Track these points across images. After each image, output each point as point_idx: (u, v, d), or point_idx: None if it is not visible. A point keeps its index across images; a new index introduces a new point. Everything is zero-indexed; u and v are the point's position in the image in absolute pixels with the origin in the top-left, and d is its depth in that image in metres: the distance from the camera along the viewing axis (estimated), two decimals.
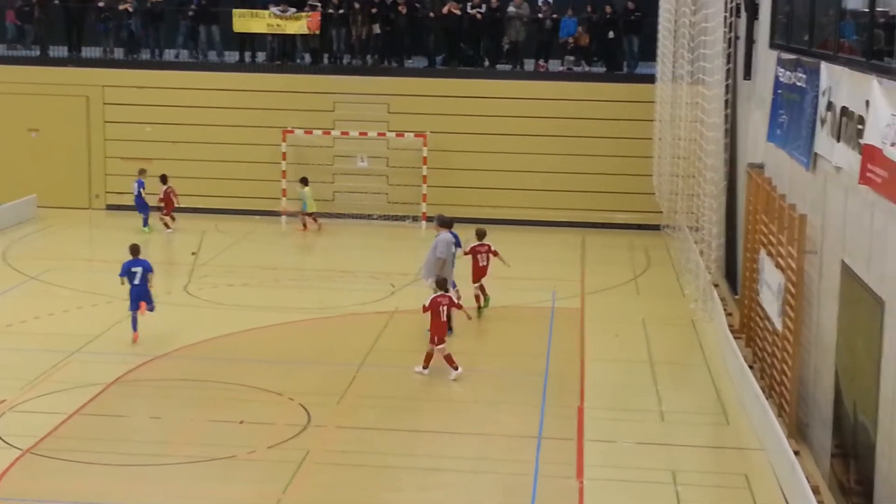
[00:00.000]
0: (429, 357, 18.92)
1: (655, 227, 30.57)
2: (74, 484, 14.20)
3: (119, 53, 34.26)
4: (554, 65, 33.51)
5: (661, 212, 29.75)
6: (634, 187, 31.60)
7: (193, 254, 26.96)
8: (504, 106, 32.18)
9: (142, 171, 30.17)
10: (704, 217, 22.73)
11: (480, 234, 22.94)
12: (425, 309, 18.98)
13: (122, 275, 20.52)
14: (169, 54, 34.24)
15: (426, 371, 18.89)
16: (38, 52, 34.16)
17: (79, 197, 33.30)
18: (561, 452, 15.63)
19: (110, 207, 32.95)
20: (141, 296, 20.35)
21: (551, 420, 16.85)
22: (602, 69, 33.10)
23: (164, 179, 30.19)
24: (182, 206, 31.13)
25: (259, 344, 20.61)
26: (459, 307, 19.63)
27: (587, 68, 33.15)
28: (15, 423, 16.07)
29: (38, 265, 25.26)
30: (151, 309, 20.43)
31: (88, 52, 34.16)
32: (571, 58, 33.14)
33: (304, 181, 30.76)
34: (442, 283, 19.40)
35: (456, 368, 18.71)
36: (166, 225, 29.75)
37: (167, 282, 24.35)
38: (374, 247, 28.73)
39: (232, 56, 34.12)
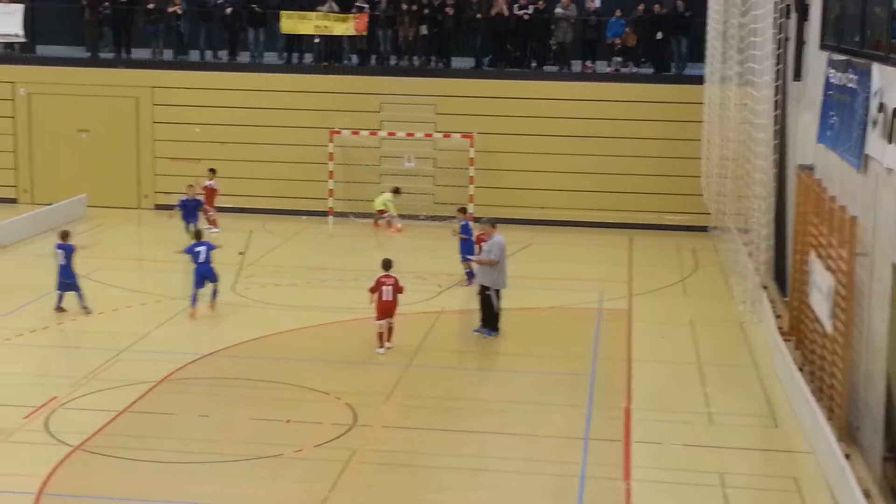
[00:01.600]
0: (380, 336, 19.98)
1: (703, 229, 30.40)
2: (123, 481, 14.29)
3: (168, 55, 34.52)
4: (601, 66, 33.39)
5: (710, 213, 29.58)
6: (682, 189, 31.42)
7: (241, 254, 27.07)
8: (551, 107, 32.11)
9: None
10: (753, 219, 22.55)
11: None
12: (371, 290, 20.01)
13: (185, 252, 22.39)
14: (215, 55, 34.43)
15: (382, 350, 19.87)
16: (89, 54, 34.49)
17: (128, 197, 33.57)
18: (608, 454, 15.56)
19: (159, 207, 33.17)
20: (205, 273, 21.94)
21: (598, 421, 16.78)
22: (650, 70, 32.95)
23: (212, 173, 30.54)
24: (230, 206, 31.33)
25: (306, 343, 20.67)
26: (400, 291, 20.12)
27: (635, 69, 33.00)
28: (65, 420, 16.20)
29: (87, 264, 25.38)
30: (215, 280, 22.19)
31: (137, 53, 34.48)
32: (619, 59, 33.00)
33: (397, 190, 31.23)
34: (387, 264, 20.26)
35: (381, 346, 19.86)
36: (212, 223, 29.90)
37: None
38: (421, 247, 28.72)
39: (279, 57, 34.27)
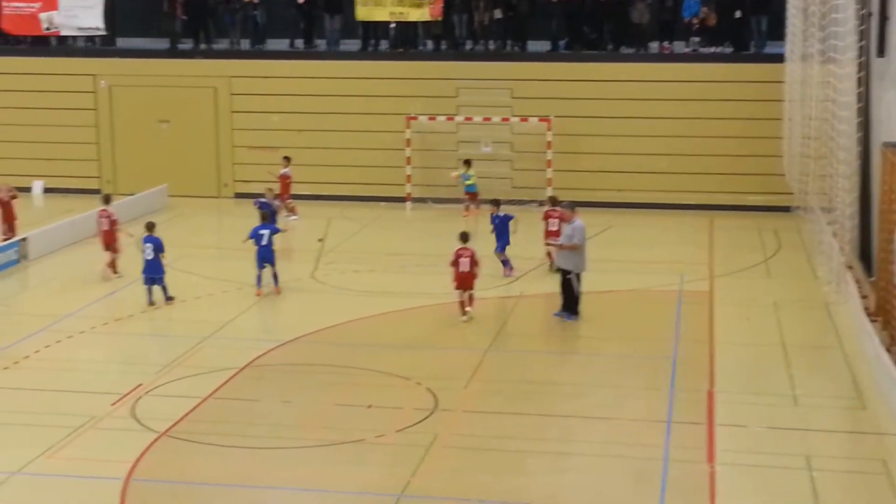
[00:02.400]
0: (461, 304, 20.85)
1: (786, 209, 30.01)
2: (208, 466, 14.43)
3: (245, 44, 34.77)
4: (679, 46, 33.04)
5: (792, 193, 29.17)
6: (764, 169, 31.05)
7: (320, 240, 27.22)
8: (628, 89, 31.85)
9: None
10: (837, 198, 22.19)
11: (553, 201, 24.70)
12: (451, 263, 20.81)
13: (250, 237, 22.61)
14: (292, 44, 34.62)
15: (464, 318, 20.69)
16: (168, 45, 34.86)
17: (208, 186, 33.92)
18: (691, 437, 15.39)
19: (238, 196, 33.48)
20: (266, 256, 22.32)
21: (681, 404, 16.62)
22: (729, 50, 32.53)
23: (286, 161, 30.68)
24: (308, 193, 31.52)
25: (386, 329, 20.72)
26: (477, 263, 20.90)
27: (713, 49, 32.60)
28: (151, 406, 16.40)
29: (169, 253, 25.60)
30: (272, 264, 22.61)
31: (215, 44, 34.78)
32: (697, 39, 32.62)
33: (468, 162, 30.66)
34: (464, 237, 21.11)
35: (463, 314, 20.72)
36: (291, 210, 30.11)
37: (294, 268, 24.63)
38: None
39: (354, 44, 34.36)
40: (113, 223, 24.27)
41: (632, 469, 14.44)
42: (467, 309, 20.84)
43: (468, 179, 30.43)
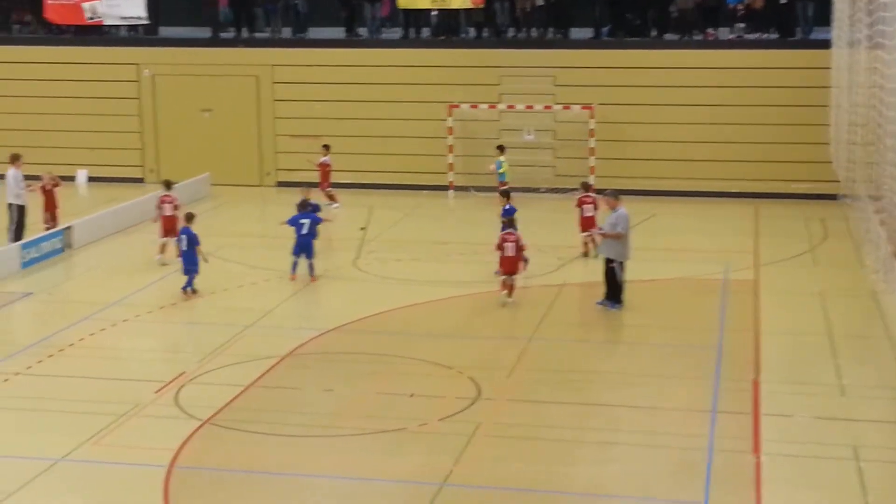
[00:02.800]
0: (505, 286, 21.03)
1: (832, 197, 29.70)
2: (251, 454, 14.45)
3: (287, 33, 34.80)
4: (723, 33, 32.75)
5: (839, 181, 28.85)
6: (810, 156, 30.73)
7: (362, 229, 27.20)
8: (672, 76, 31.61)
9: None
10: (885, 185, 21.87)
11: (585, 187, 25.07)
12: (496, 247, 21.06)
13: (288, 223, 22.66)
14: (333, 32, 34.61)
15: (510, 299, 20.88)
16: (210, 34, 34.94)
17: (250, 174, 33.99)
18: (736, 427, 15.25)
19: (281, 184, 33.53)
20: (304, 246, 22.43)
21: (726, 394, 16.47)
22: (774, 36, 32.18)
23: (326, 149, 30.78)
24: (350, 181, 31.51)
25: (428, 318, 20.68)
26: (523, 248, 21.17)
27: (759, 35, 32.26)
28: (194, 394, 16.43)
29: (212, 242, 25.75)
30: (310, 256, 22.59)
31: (257, 32, 34.86)
32: (742, 25, 32.30)
33: (501, 148, 30.42)
34: (510, 222, 21.44)
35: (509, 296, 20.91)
36: (332, 198, 30.12)
37: (337, 257, 24.65)
38: (542, 220, 28.47)
39: (396, 32, 34.32)
40: (176, 208, 24.58)
41: (676, 459, 14.32)
42: (507, 297, 20.91)
43: (500, 168, 30.16)
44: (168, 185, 25.45)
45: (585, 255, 24.38)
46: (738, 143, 31.28)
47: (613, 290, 20.66)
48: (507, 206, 23.54)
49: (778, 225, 28.19)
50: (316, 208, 24.70)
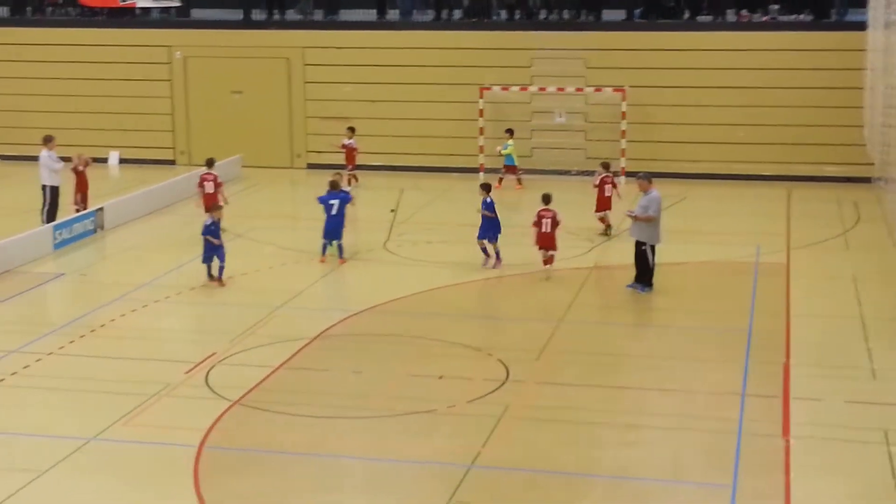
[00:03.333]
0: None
1: (866, 180, 29.48)
2: (280, 435, 14.49)
3: (318, 15, 34.79)
4: (757, 14, 32.51)
5: (873, 164, 28.61)
6: (843, 139, 30.52)
7: (392, 211, 27.20)
8: (705, 58, 31.43)
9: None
10: None
11: (605, 166, 25.61)
12: (534, 224, 21.49)
13: (319, 200, 22.64)
14: (365, 14, 34.58)
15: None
16: (241, 16, 34.98)
17: (281, 156, 34.05)
18: (766, 410, 15.18)
19: (311, 166, 33.58)
20: (332, 228, 22.44)
21: (755, 377, 16.39)
22: (809, 18, 31.93)
23: (350, 132, 30.71)
24: (380, 163, 31.49)
25: (458, 300, 20.68)
26: (558, 224, 21.53)
27: (793, 17, 32.00)
28: (224, 375, 16.50)
29: (243, 223, 25.92)
30: (338, 238, 22.55)
31: (288, 14, 34.86)
32: (776, 7, 32.05)
33: (510, 132, 30.62)
34: (546, 199, 21.69)
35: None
36: (354, 178, 30.16)
37: (367, 238, 24.67)
38: (573, 202, 28.29)
39: (428, 14, 34.25)
40: (218, 185, 25.11)
41: (705, 442, 14.28)
42: (546, 267, 21.46)
43: (506, 149, 30.19)
44: (210, 162, 25.94)
45: (607, 233, 24.81)
46: (771, 125, 31.08)
47: (644, 273, 20.59)
48: (487, 200, 22.46)
49: (811, 208, 28.02)
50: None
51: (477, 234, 22.53)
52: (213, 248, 21.18)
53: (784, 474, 13.26)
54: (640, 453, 14.05)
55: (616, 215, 24.69)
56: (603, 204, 24.99)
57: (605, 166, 25.78)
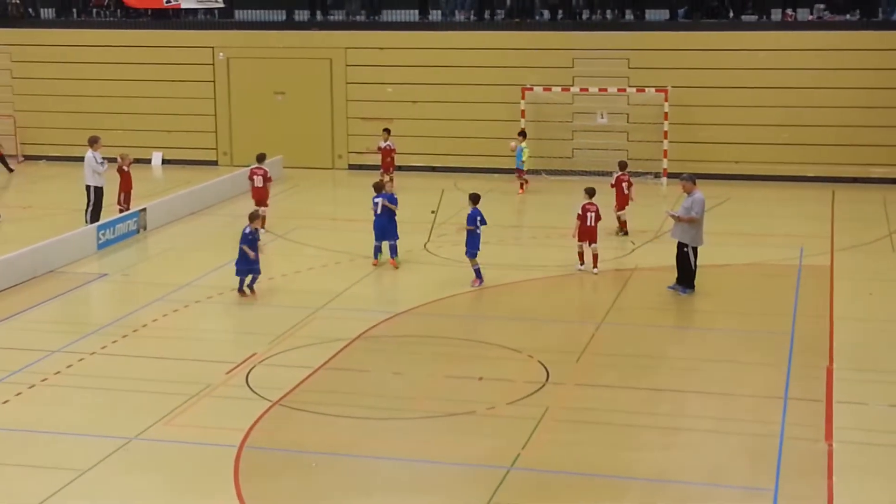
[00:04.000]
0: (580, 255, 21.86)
1: None
2: (319, 435, 14.52)
3: (361, 16, 34.86)
4: (803, 14, 32.27)
5: None
6: (889, 140, 30.26)
7: (433, 212, 27.16)
8: (749, 58, 31.24)
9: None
10: None
11: (622, 165, 25.85)
12: (578, 217, 21.68)
13: (376, 199, 22.39)
14: (407, 15, 34.61)
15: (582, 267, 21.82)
16: (284, 17, 35.12)
17: (322, 157, 34.14)
18: (808, 414, 15.04)
19: (352, 167, 33.65)
20: (381, 227, 22.30)
21: (798, 381, 16.24)
22: (855, 17, 31.63)
23: (386, 133, 30.53)
24: (421, 164, 31.48)
25: (498, 301, 20.63)
26: (600, 218, 21.79)
27: (840, 16, 31.73)
28: (264, 375, 16.55)
29: (285, 224, 26.01)
30: (390, 238, 22.37)
31: (331, 14, 34.98)
32: (822, 6, 31.79)
33: (523, 134, 30.48)
34: (591, 192, 21.87)
35: (581, 263, 21.86)
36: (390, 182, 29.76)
37: (407, 240, 24.63)
38: (613, 204, 28.35)
39: (470, 15, 34.20)
40: (267, 180, 25.57)
41: (747, 446, 14.16)
42: (594, 270, 21.68)
43: (521, 156, 29.79)
44: (260, 158, 26.22)
45: (624, 232, 24.96)
46: (816, 126, 30.85)
47: (686, 275, 20.48)
48: (472, 210, 21.42)
49: (855, 209, 27.76)
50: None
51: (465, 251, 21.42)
52: (247, 262, 20.48)
53: (827, 478, 13.13)
54: (681, 456, 13.97)
55: (657, 217, 24.53)
56: (622, 202, 25.01)
57: (622, 166, 25.85)
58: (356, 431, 14.65)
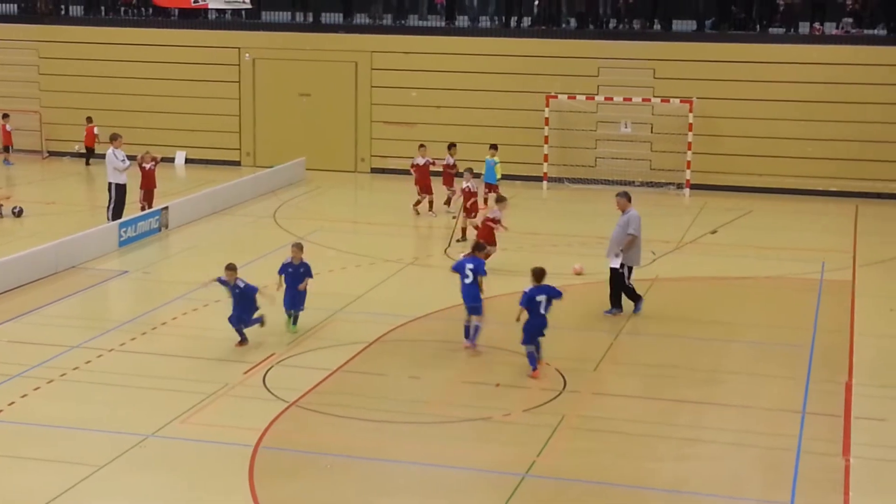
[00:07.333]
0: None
1: None
2: (335, 437, 14.52)
3: (387, 19, 34.92)
4: (830, 27, 32.16)
5: None
6: None
7: (454, 218, 27.11)
8: (776, 71, 31.14)
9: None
10: None
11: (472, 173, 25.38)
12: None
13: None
14: (433, 20, 34.65)
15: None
16: (311, 19, 35.19)
17: (345, 160, 34.18)
18: (826, 429, 14.96)
19: (375, 171, 33.68)
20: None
21: (816, 395, 16.16)
22: (883, 32, 31.50)
23: (423, 149, 28.72)
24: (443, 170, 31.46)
25: (516, 308, 20.49)
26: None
27: (869, 31, 31.60)
28: (281, 376, 16.56)
29: (306, 226, 26.04)
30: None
31: (358, 18, 35.02)
32: (849, 20, 31.67)
33: (494, 147, 28.68)
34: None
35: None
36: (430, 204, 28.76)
37: (427, 245, 24.67)
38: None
39: (496, 21, 34.23)
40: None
41: (763, 459, 14.09)
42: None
43: (494, 168, 28.10)
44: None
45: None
46: (841, 140, 30.74)
47: (616, 295, 19.99)
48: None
49: (878, 225, 27.64)
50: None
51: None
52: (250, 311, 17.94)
53: (843, 494, 13.05)
54: (698, 467, 13.91)
55: (679, 229, 24.42)
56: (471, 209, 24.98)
57: (472, 173, 25.59)
58: (371, 434, 14.64)
